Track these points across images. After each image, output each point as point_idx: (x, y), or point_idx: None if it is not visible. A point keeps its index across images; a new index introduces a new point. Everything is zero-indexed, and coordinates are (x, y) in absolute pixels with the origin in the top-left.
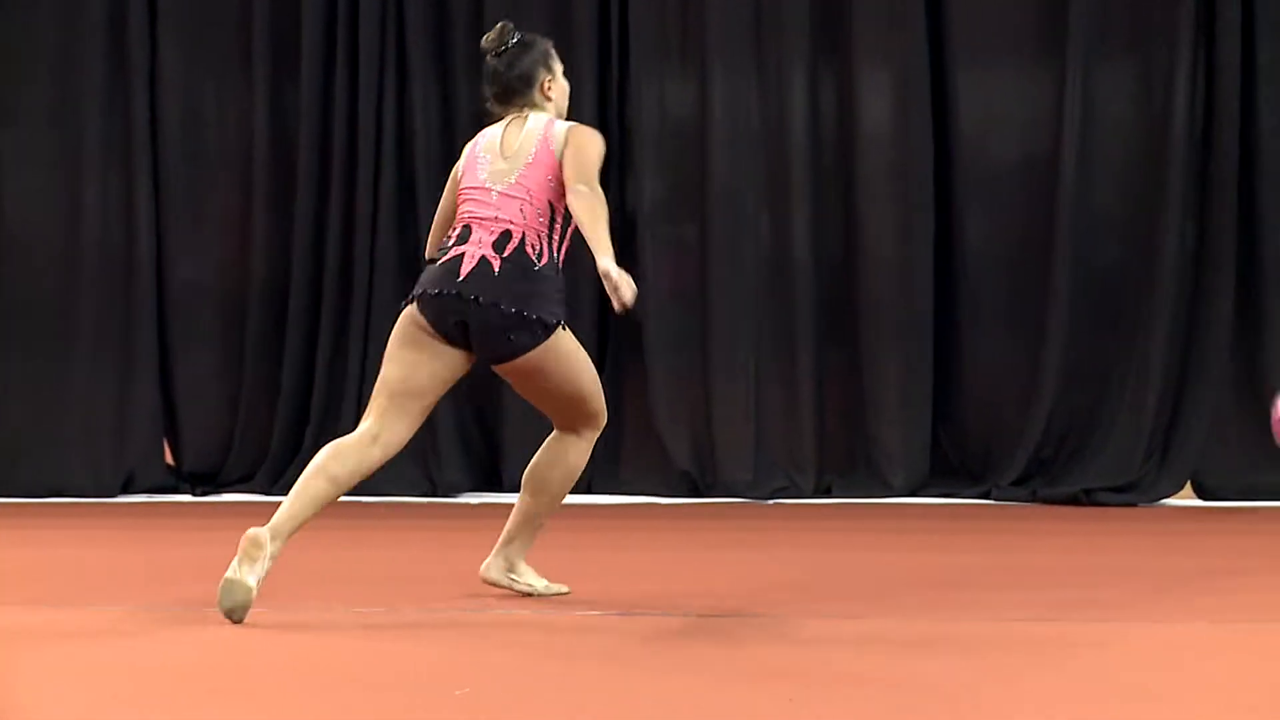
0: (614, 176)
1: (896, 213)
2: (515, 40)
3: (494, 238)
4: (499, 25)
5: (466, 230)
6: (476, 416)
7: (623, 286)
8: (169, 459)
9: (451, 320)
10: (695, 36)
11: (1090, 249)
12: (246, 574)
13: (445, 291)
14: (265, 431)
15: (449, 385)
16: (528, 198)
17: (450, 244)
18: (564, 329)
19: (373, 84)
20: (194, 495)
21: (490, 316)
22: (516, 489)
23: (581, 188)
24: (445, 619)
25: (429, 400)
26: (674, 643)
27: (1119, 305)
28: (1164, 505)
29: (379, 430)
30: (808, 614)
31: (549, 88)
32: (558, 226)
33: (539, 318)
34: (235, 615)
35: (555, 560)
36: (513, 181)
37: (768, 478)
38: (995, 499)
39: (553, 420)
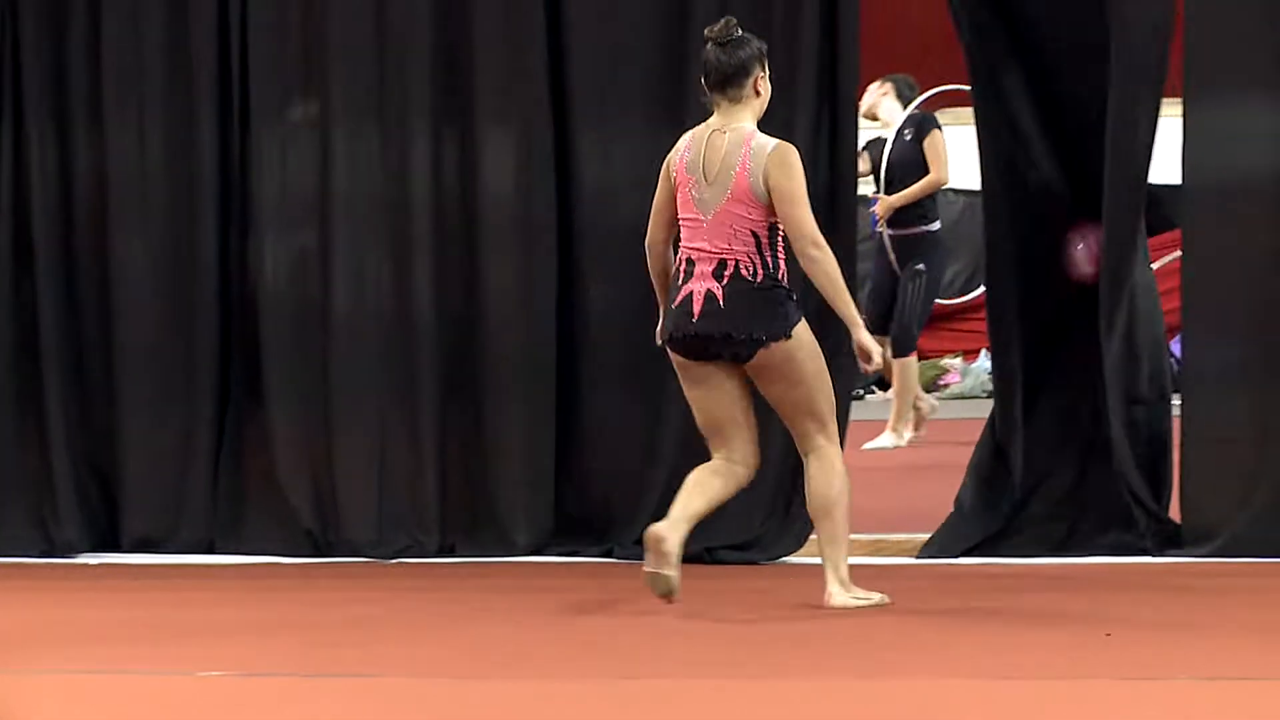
0: (234, 230)
1: (519, 270)
2: (738, 34)
3: (712, 267)
4: (725, 19)
5: (690, 265)
6: (94, 474)
7: (875, 355)
8: None
9: (702, 351)
10: (317, 98)
11: None
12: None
13: (686, 334)
14: None
15: (748, 392)
16: (733, 230)
17: (679, 281)
18: (801, 325)
19: None
20: None
21: (727, 347)
22: (136, 549)
23: (813, 252)
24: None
25: (742, 418)
26: (297, 705)
27: None
28: (784, 563)
29: (729, 455)
30: (420, 674)
31: (760, 83)
32: (765, 243)
33: (766, 335)
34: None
35: (181, 621)
36: (719, 211)
37: (392, 537)
38: (618, 557)
39: (796, 435)
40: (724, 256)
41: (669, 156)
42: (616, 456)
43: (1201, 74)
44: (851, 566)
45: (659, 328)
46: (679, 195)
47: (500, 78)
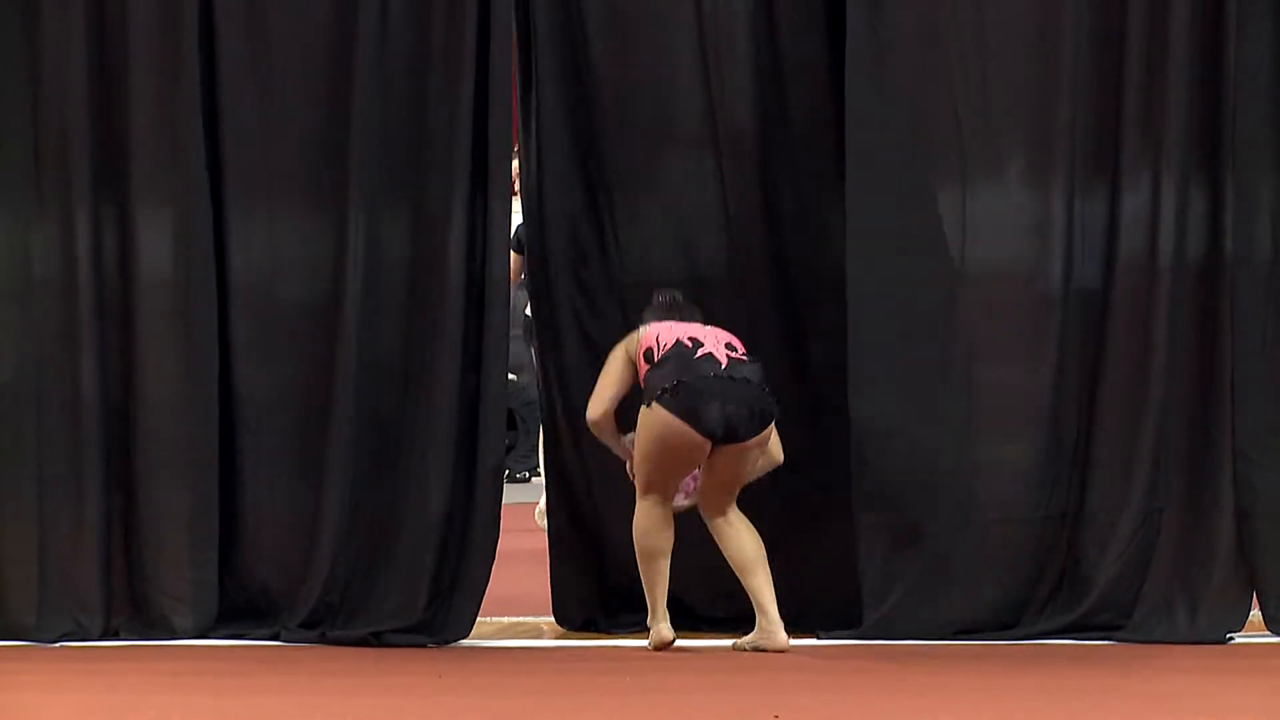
0: None
1: (179, 354)
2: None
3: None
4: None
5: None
6: None
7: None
8: None
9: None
10: None
11: (373, 392)
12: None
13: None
14: None
15: None
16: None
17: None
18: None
19: None
20: None
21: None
22: None
23: None
24: None
25: None
26: None
27: (397, 445)
28: (458, 646)
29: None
30: None
31: None
32: None
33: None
34: None
35: None
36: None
37: (54, 620)
38: (285, 640)
39: (725, 501)
40: None
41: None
42: (280, 538)
43: None
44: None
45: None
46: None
47: (160, 158)
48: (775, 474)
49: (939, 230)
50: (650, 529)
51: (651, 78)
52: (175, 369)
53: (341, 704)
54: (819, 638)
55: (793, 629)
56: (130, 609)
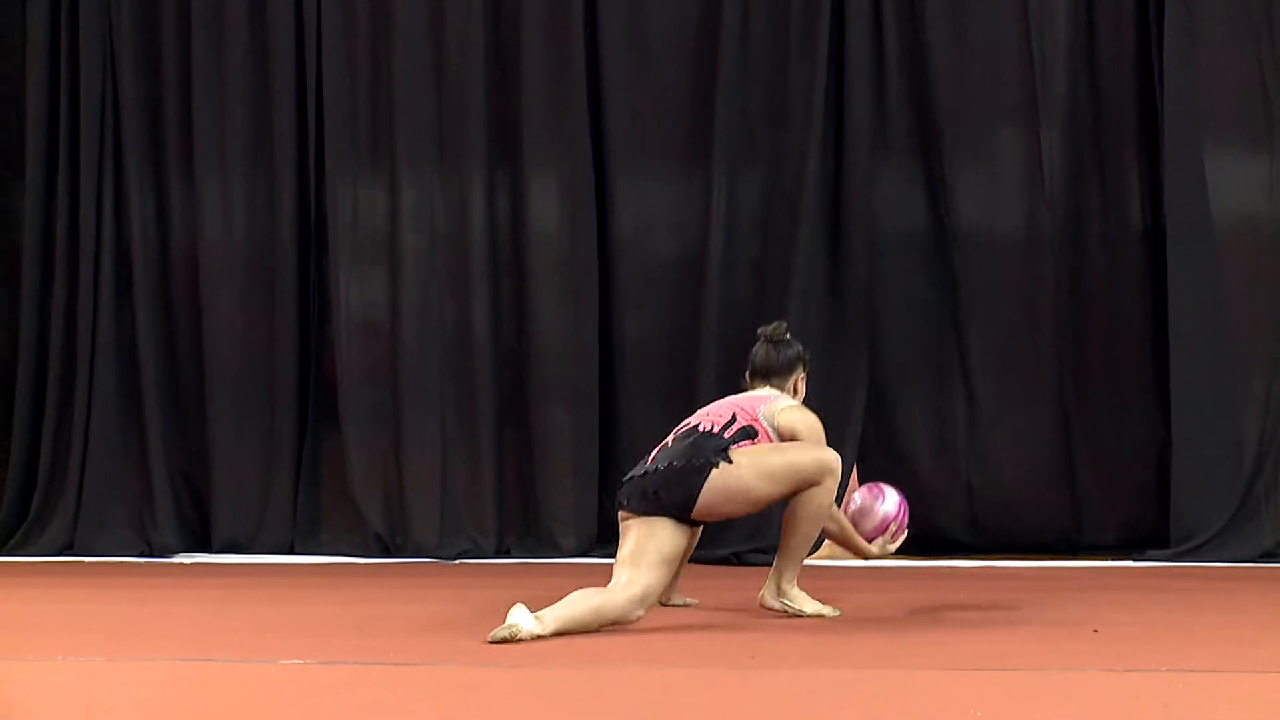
0: (312, 269)
1: (564, 303)
2: (787, 337)
3: None
4: (778, 322)
5: None
6: (188, 485)
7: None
8: None
9: None
10: (385, 145)
11: (734, 337)
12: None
13: None
14: None
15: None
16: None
17: None
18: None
19: (92, 184)
20: None
21: None
22: (225, 550)
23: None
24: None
25: None
26: (365, 690)
27: None
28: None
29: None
30: (477, 662)
31: (800, 382)
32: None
33: None
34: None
35: (265, 615)
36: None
37: (453, 540)
38: None
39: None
40: None
41: None
42: None
43: None
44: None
45: None
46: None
47: (548, 130)
48: (1099, 399)
49: (1247, 190)
50: None
51: (981, 57)
52: (561, 316)
53: (703, 618)
54: (1135, 559)
55: (1107, 552)
56: (521, 530)
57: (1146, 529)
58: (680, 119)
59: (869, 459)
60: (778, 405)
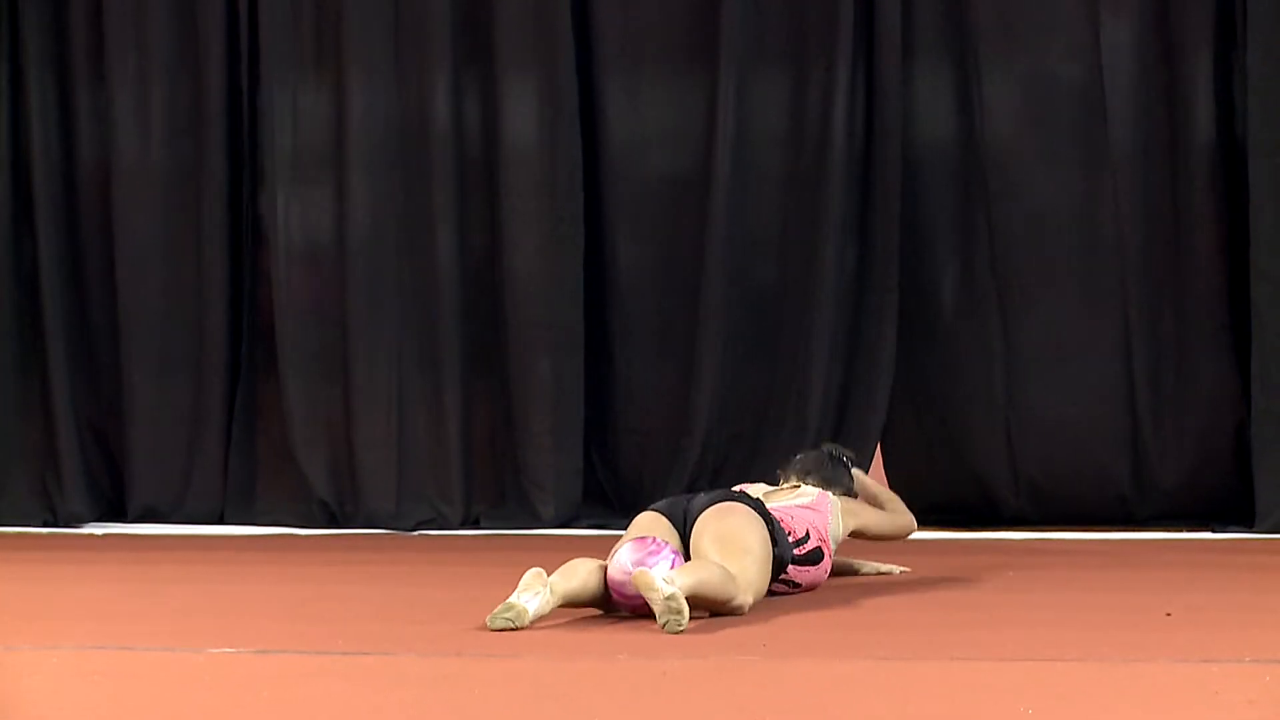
0: (245, 189)
1: (543, 229)
2: (848, 458)
3: None
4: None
5: None
6: (99, 443)
7: None
8: None
9: None
10: (330, 44)
11: (746, 268)
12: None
13: None
14: None
15: None
16: None
17: None
18: None
19: None
20: None
21: None
22: (142, 519)
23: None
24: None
25: None
26: (307, 683)
27: (777, 326)
28: None
29: None
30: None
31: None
32: None
33: None
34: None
35: (190, 595)
36: None
37: (412, 508)
38: None
39: None
40: None
41: None
42: (648, 421)
43: None
44: None
45: None
46: None
47: (524, 26)
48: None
49: None
50: None
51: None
52: (540, 244)
53: None
54: (1213, 531)
55: (1176, 523)
56: (492, 496)
57: (1223, 496)
58: (680, 12)
59: (896, 423)
60: (839, 517)
